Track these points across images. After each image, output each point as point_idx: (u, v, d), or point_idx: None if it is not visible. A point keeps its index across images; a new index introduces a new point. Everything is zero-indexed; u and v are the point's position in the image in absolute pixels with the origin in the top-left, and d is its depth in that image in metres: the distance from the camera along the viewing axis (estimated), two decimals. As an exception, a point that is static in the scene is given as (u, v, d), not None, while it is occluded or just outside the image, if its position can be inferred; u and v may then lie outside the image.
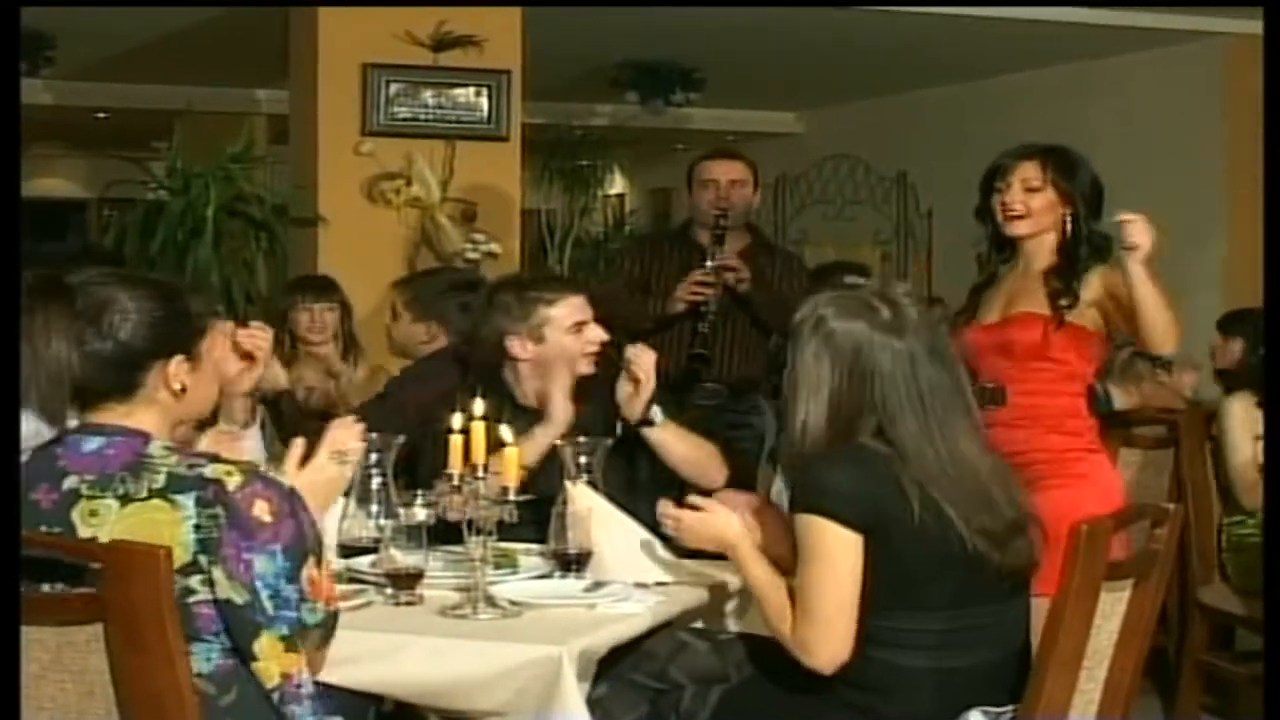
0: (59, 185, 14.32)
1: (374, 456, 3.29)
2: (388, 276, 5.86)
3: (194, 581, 2.42)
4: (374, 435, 3.28)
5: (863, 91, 10.22)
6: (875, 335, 2.83)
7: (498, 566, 3.18)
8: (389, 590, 3.08)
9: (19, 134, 2.93)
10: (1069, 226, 3.78)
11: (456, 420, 3.11)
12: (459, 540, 3.09)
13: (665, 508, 3.16)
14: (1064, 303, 3.73)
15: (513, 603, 3.02)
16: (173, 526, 2.41)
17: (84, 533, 2.43)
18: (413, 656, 2.85)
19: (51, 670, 2.37)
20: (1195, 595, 4.72)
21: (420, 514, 3.15)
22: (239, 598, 2.42)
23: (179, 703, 2.33)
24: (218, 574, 2.42)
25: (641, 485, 3.66)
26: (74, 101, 9.88)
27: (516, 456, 3.12)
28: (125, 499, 2.44)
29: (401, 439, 3.35)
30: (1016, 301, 3.83)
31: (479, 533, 3.01)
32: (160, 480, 2.44)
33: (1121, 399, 4.94)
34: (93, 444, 2.49)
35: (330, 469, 3.00)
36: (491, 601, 3.00)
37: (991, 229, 3.89)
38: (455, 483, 3.05)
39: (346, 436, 3.10)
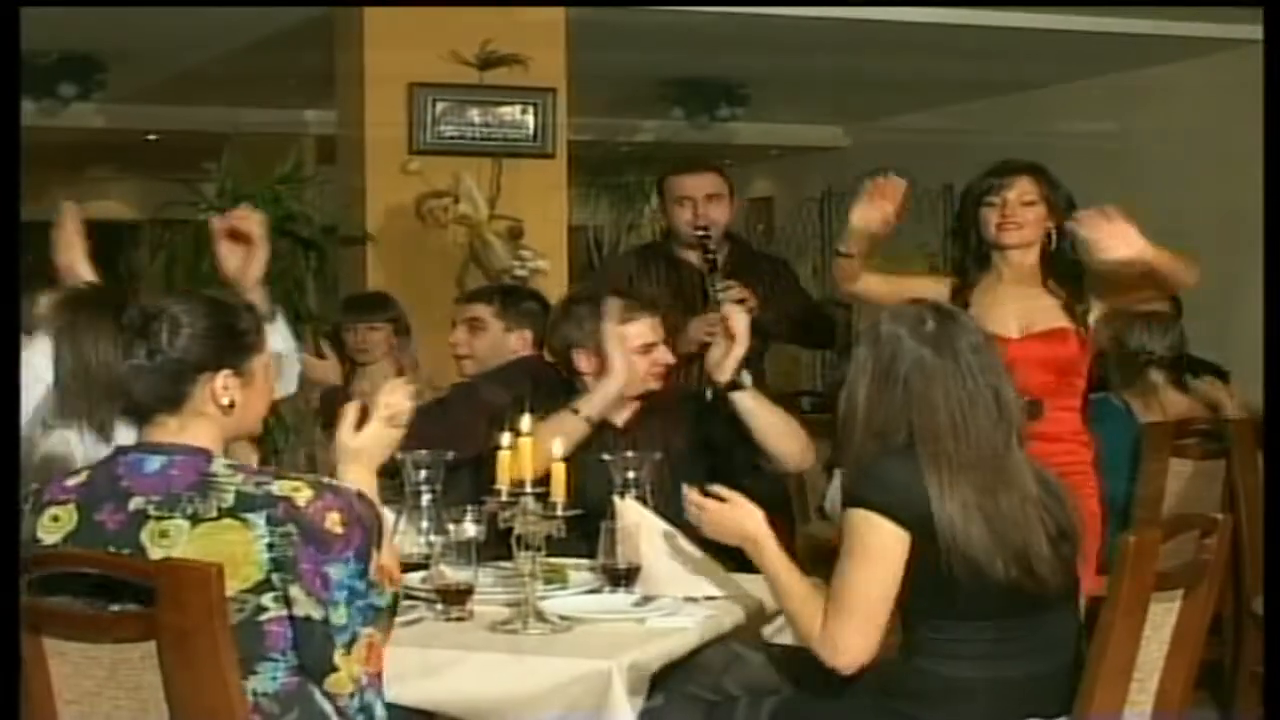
0: (112, 208, 14.41)
1: (423, 474, 3.30)
2: (436, 294, 5.89)
3: (266, 599, 2.44)
4: (423, 452, 3.29)
5: (908, 105, 10.20)
6: (915, 346, 2.85)
7: (547, 582, 3.19)
8: (439, 606, 3.09)
9: (19, 136, 2.95)
10: (1055, 238, 3.97)
11: (505, 437, 3.12)
12: (511, 554, 3.09)
13: (691, 494, 3.16)
14: (1089, 314, 3.89)
15: (562, 618, 3.03)
16: (245, 545, 2.42)
17: (155, 554, 2.43)
18: (463, 672, 2.86)
19: (107, 687, 2.40)
20: (1250, 606, 4.69)
21: (470, 529, 3.16)
22: (317, 613, 2.44)
23: (231, 718, 2.35)
24: (295, 591, 2.43)
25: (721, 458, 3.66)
26: (125, 125, 9.96)
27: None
28: (195, 519, 2.44)
29: (450, 455, 3.35)
30: (1037, 317, 3.92)
31: (527, 548, 3.03)
32: (229, 499, 2.45)
33: (1141, 411, 4.87)
34: (154, 464, 2.49)
35: (388, 435, 2.91)
36: (541, 617, 3.01)
37: (976, 242, 4.07)
38: (503, 499, 3.06)
39: (399, 400, 2.99)
